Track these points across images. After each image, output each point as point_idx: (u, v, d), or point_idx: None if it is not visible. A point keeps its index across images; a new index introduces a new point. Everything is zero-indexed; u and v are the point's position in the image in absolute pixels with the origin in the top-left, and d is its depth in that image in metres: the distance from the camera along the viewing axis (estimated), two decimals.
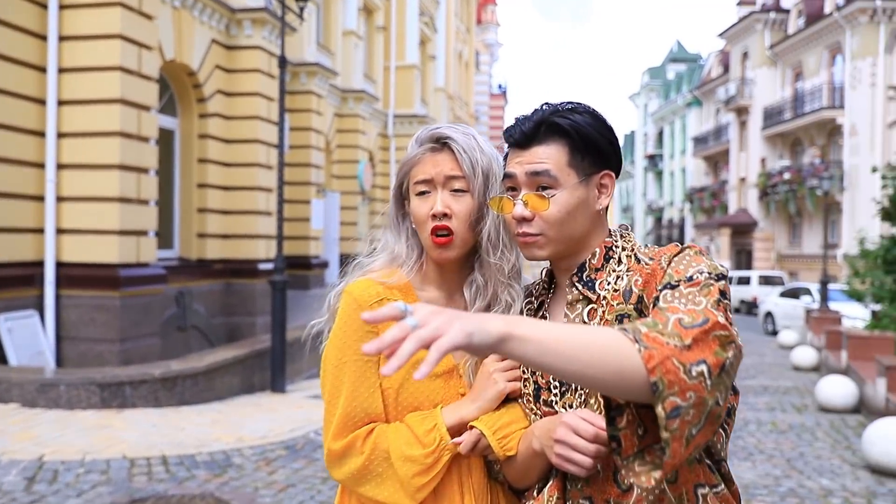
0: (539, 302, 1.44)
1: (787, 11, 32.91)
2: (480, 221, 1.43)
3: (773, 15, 33.16)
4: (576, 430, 1.20)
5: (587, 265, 1.36)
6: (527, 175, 1.33)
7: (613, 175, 1.37)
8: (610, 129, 1.35)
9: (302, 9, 9.77)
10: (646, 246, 1.36)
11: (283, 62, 9.13)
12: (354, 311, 1.40)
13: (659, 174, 51.09)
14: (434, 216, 1.41)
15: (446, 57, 26.45)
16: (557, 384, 1.34)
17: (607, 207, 1.40)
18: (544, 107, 1.36)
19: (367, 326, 1.38)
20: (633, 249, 1.35)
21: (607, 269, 1.34)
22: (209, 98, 10.82)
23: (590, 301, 1.33)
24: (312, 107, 14.27)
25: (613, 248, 1.36)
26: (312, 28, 14.45)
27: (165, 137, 10.34)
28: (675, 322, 1.06)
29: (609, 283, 1.32)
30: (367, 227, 18.88)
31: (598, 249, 1.36)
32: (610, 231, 1.40)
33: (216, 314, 10.85)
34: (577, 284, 1.35)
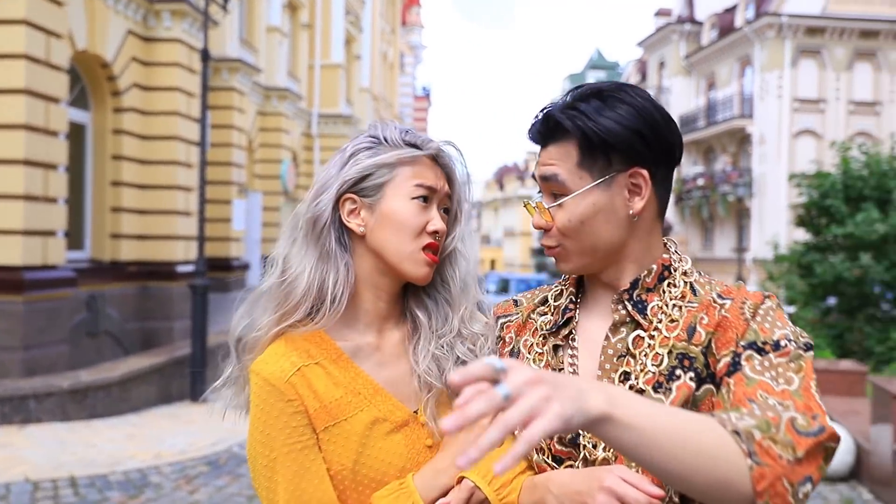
0: (566, 317, 1.21)
1: (702, 24, 34.14)
2: (454, 251, 1.30)
3: (687, 27, 34.34)
4: (623, 498, 0.98)
5: (640, 283, 1.16)
6: (540, 179, 1.17)
7: (647, 173, 1.13)
8: (647, 118, 1.11)
9: (226, 1, 9.38)
10: (700, 273, 1.20)
11: (205, 55, 8.74)
12: (270, 396, 1.17)
13: None
14: (434, 232, 1.24)
15: (371, 57, 26.18)
16: None
17: (661, 213, 1.18)
18: (566, 97, 1.17)
19: (291, 407, 1.17)
20: (686, 273, 1.18)
21: (660, 289, 1.15)
22: (125, 92, 10.28)
23: (638, 325, 1.14)
24: (234, 104, 13.78)
25: (671, 268, 1.18)
26: (235, 23, 13.97)
27: (76, 132, 9.74)
28: (787, 424, 0.94)
29: (662, 310, 1.14)
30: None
31: (654, 266, 1.17)
32: (666, 245, 1.21)
33: (131, 319, 10.30)
34: (626, 303, 1.15)
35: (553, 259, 1.20)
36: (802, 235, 13.00)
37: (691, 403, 1.07)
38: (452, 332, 1.27)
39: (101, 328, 9.54)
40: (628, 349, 1.12)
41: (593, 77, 53.64)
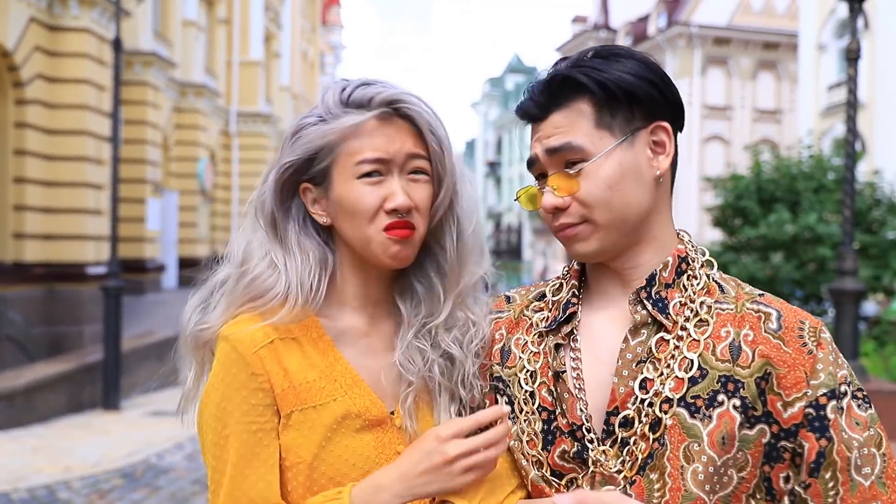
0: (568, 312, 1.08)
1: (616, 31, 35.13)
2: (437, 211, 1.12)
3: (603, 34, 35.27)
4: None
5: (657, 279, 1.03)
6: (547, 154, 1.03)
7: (670, 128, 1.03)
8: (656, 70, 1.03)
9: None
10: (713, 266, 1.08)
11: (117, 45, 8.30)
12: (234, 365, 1.05)
13: (498, 180, 52.81)
14: (394, 211, 1.06)
15: (292, 55, 25.71)
16: (588, 423, 1.01)
17: (672, 180, 1.07)
18: (559, 63, 1.06)
19: (254, 381, 1.04)
20: (706, 265, 1.07)
21: (680, 284, 1.03)
22: (28, 83, 9.70)
23: (660, 327, 1.01)
24: (148, 99, 13.27)
25: (688, 260, 1.05)
26: (149, 15, 13.46)
27: None
28: None
29: (687, 306, 1.02)
30: (209, 229, 17.90)
31: (669, 259, 1.04)
32: (679, 235, 1.09)
33: (37, 324, 9.73)
34: (644, 302, 1.02)
35: (565, 243, 1.06)
36: (714, 237, 13.46)
37: (737, 439, 0.95)
38: (440, 316, 1.12)
39: (3, 333, 8.95)
40: (650, 353, 1.00)
41: (512, 81, 54.32)
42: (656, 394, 0.97)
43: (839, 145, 13.04)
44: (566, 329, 1.07)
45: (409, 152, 1.08)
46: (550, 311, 1.11)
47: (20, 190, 9.75)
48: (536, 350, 1.08)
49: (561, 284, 1.13)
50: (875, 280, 9.69)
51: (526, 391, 1.06)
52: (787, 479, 0.96)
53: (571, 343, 1.06)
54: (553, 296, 1.13)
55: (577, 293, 1.10)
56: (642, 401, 0.98)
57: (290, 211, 1.13)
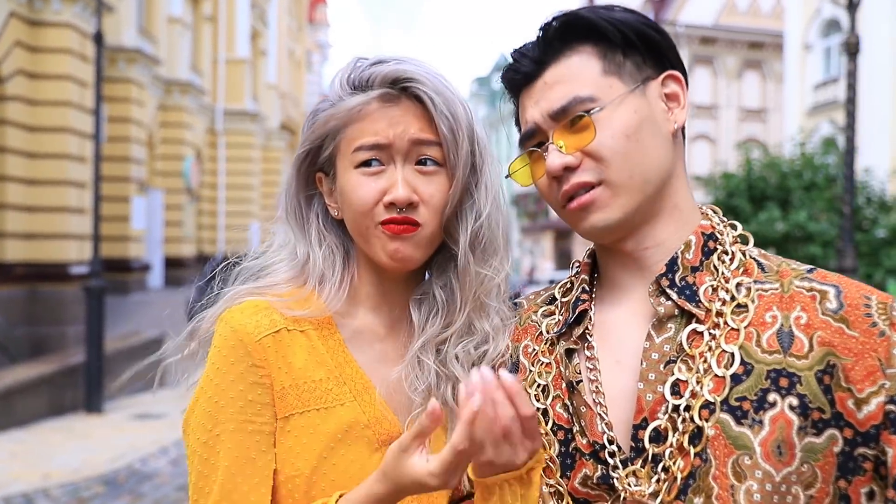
0: (577, 311, 0.93)
1: None
2: (459, 211, 0.98)
3: None
4: None
5: (679, 262, 0.88)
6: (550, 116, 0.89)
7: (682, 78, 0.92)
8: (653, 22, 0.92)
9: None
10: (747, 241, 0.92)
11: (98, 38, 8.11)
12: (233, 353, 0.93)
13: None
14: (392, 205, 0.94)
15: (278, 53, 25.49)
16: (612, 441, 0.85)
17: (684, 141, 0.93)
18: (551, 20, 0.91)
19: (254, 374, 0.93)
20: (739, 240, 0.91)
21: (709, 266, 0.88)
22: (8, 79, 9.51)
23: (690, 318, 0.85)
24: (132, 96, 13.06)
25: (715, 236, 0.90)
26: (133, 11, 13.26)
27: None
28: None
29: (723, 288, 0.86)
30: (195, 228, 17.68)
31: (692, 238, 0.89)
32: (701, 208, 0.94)
33: (18, 324, 9.51)
34: (668, 291, 0.87)
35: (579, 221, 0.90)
36: None
37: (797, 448, 0.78)
38: (452, 326, 0.99)
39: None
40: (681, 350, 0.84)
41: (499, 81, 54.36)
42: (693, 397, 0.81)
43: (829, 143, 13.03)
44: (578, 331, 0.92)
45: (413, 138, 0.95)
46: (560, 313, 0.97)
47: (1, 188, 9.54)
48: (548, 360, 0.94)
49: (571, 284, 0.99)
50: (867, 278, 9.70)
51: (538, 409, 0.91)
52: (870, 496, 0.79)
53: (585, 347, 0.91)
54: (563, 297, 0.98)
55: (587, 289, 0.95)
56: (675, 408, 0.82)
57: (312, 202, 1.04)
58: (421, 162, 0.96)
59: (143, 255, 14.06)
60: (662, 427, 0.82)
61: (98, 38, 8.10)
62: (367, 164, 0.95)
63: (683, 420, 0.81)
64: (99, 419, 7.58)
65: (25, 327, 9.66)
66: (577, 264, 0.99)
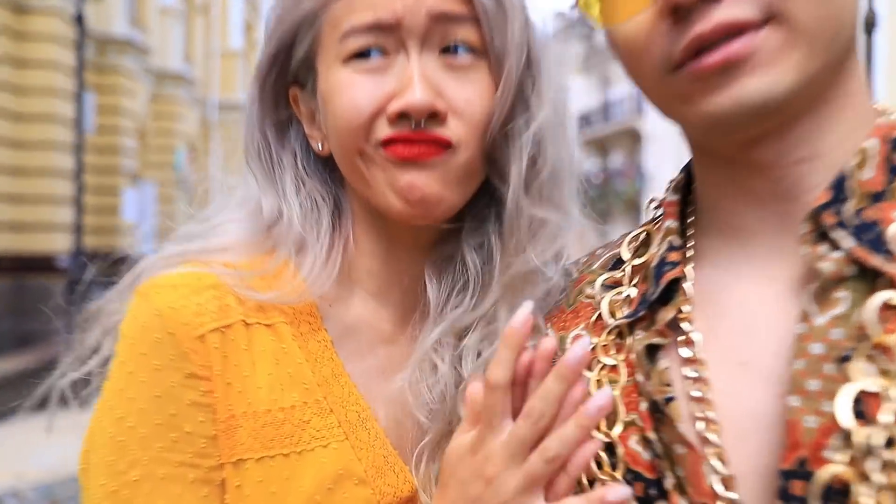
0: (664, 281, 0.57)
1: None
2: (509, 130, 0.63)
3: (583, 29, 35.36)
4: None
5: (852, 183, 0.52)
6: None
7: None
8: None
9: None
10: None
11: (80, 20, 7.93)
12: (159, 351, 0.61)
13: None
14: (403, 116, 0.60)
15: None
16: (734, 499, 0.51)
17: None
18: None
19: (194, 389, 0.60)
20: None
21: None
22: None
23: (879, 279, 0.49)
24: (123, 86, 12.89)
25: None
26: (123, 0, 13.06)
27: None
28: None
29: None
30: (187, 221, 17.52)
31: (871, 142, 0.53)
32: (875, 106, 0.58)
33: (4, 317, 9.40)
34: (835, 236, 0.51)
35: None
36: None
37: None
38: (483, 306, 0.65)
39: None
40: (864, 337, 0.48)
41: None
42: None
43: None
44: (666, 314, 0.56)
45: (435, 11, 0.60)
46: (634, 284, 0.61)
47: None
48: (613, 362, 0.59)
49: (648, 236, 0.63)
50: None
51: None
52: None
53: (681, 342, 0.56)
54: (635, 257, 0.62)
55: (678, 243, 0.58)
56: (867, 444, 0.46)
57: (286, 134, 0.72)
58: (449, 50, 0.63)
59: (135, 248, 13.92)
60: (840, 474, 0.47)
61: (79, 20, 7.92)
62: (362, 55, 0.62)
63: (885, 465, 0.46)
64: (83, 416, 7.40)
65: (12, 319, 9.52)
66: (657, 202, 0.64)
